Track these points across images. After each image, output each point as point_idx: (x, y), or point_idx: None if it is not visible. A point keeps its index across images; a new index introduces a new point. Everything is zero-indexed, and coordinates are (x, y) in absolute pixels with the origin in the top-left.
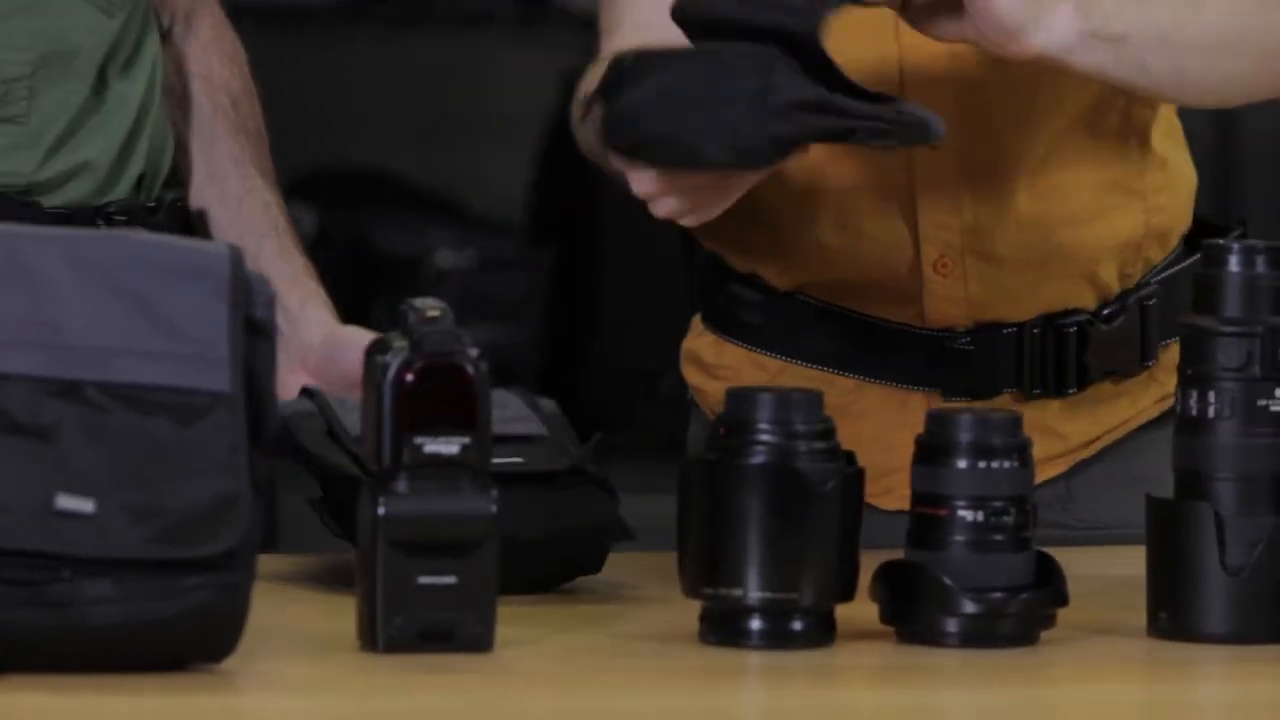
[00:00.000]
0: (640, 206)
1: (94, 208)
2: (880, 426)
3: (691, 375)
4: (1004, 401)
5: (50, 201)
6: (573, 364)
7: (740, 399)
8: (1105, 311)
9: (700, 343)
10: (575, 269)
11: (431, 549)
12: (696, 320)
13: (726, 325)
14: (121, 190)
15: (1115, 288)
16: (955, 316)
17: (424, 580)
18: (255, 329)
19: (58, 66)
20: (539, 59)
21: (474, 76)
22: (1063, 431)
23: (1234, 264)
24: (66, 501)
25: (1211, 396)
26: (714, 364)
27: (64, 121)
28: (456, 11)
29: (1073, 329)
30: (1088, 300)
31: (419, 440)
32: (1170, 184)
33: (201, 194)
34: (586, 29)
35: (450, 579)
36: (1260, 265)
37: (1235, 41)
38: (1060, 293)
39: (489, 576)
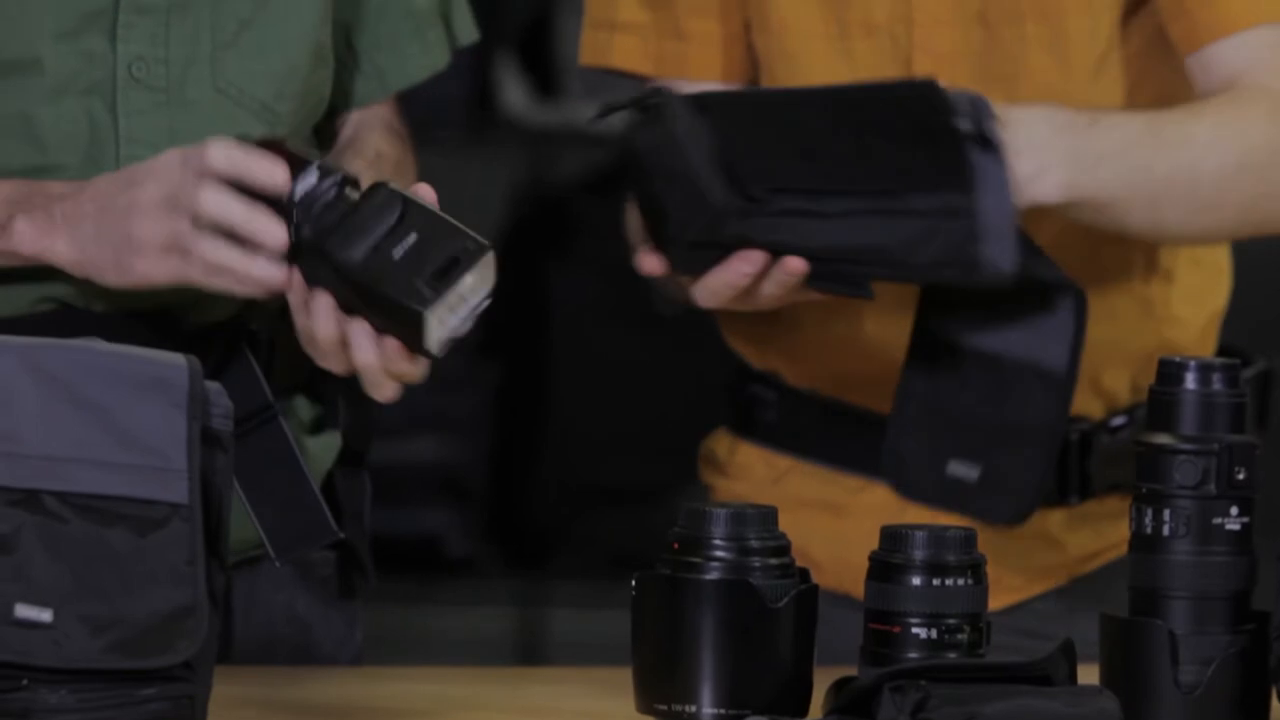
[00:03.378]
0: (587, 321)
1: (237, 324)
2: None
3: (707, 474)
4: None
5: (198, 319)
6: (522, 480)
7: (694, 514)
8: (1113, 423)
9: (718, 443)
10: (524, 384)
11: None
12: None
13: (743, 425)
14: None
15: (1125, 399)
16: None
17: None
18: (212, 440)
19: None
20: (486, 170)
21: None
22: (1063, 541)
23: (1190, 381)
24: (24, 611)
25: (1167, 514)
26: (727, 462)
27: None
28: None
29: (1075, 436)
30: (1094, 409)
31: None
32: (1186, 299)
33: None
34: (534, 141)
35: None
36: (1216, 383)
37: (1216, 197)
38: None
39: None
